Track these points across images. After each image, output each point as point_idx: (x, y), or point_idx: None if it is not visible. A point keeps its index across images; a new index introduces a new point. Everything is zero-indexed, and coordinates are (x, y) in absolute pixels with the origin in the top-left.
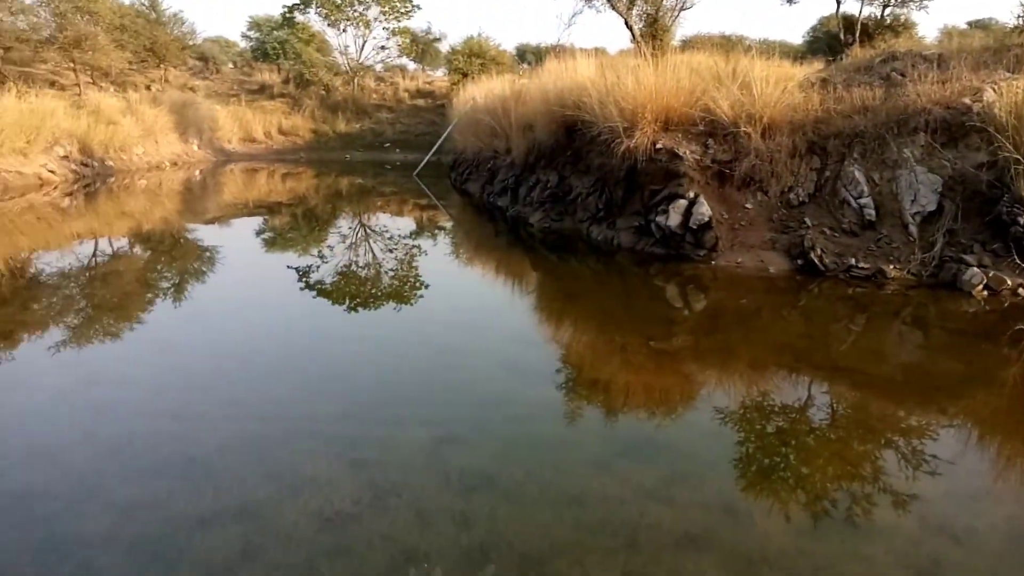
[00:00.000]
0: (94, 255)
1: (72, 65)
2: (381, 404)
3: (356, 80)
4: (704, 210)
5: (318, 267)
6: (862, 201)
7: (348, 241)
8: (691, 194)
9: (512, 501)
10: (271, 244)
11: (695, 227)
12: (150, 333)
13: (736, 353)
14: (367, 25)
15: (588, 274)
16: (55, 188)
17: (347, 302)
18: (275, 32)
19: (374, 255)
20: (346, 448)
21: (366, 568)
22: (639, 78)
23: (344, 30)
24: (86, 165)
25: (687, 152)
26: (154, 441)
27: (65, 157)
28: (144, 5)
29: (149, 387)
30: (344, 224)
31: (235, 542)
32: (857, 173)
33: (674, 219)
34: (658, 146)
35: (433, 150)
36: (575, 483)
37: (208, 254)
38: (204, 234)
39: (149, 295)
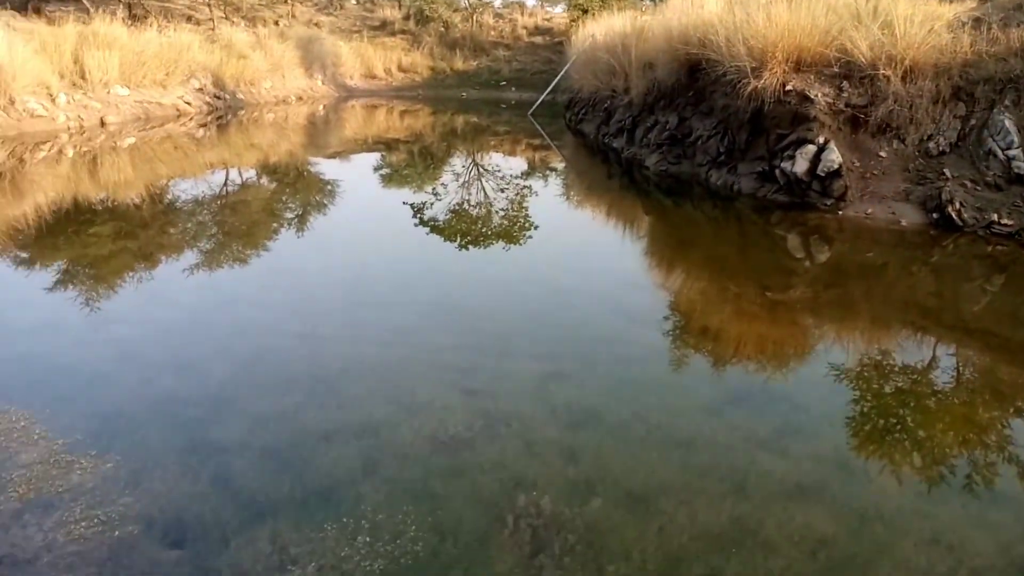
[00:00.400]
0: (225, 184)
1: (207, 1)
2: (492, 337)
3: (475, 17)
4: (834, 157)
5: (432, 204)
6: (1011, 153)
7: (461, 179)
8: (821, 139)
9: (618, 439)
10: (388, 180)
11: (823, 174)
12: (277, 260)
13: (858, 308)
14: None
15: (704, 220)
16: (190, 119)
17: (459, 239)
18: None
19: (486, 194)
20: (459, 377)
21: (477, 491)
22: (771, 15)
23: None
24: (218, 98)
25: (819, 95)
26: (284, 359)
27: (200, 89)
28: None
29: (278, 309)
30: (458, 162)
31: (356, 457)
32: (1007, 122)
33: (801, 165)
34: (788, 88)
35: (549, 89)
36: (683, 427)
37: (330, 187)
38: (326, 168)
39: (275, 224)
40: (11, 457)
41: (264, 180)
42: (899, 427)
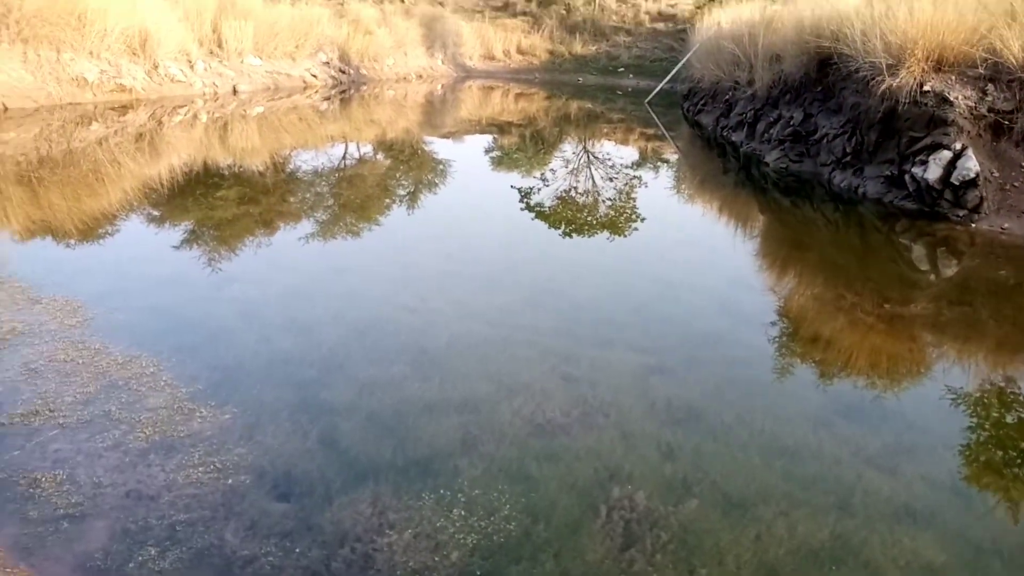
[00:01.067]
0: (343, 157)
1: None
2: (595, 325)
3: (597, 1)
4: (971, 164)
5: (540, 189)
6: None
7: (571, 166)
8: (957, 145)
9: (719, 441)
10: (498, 162)
11: (957, 183)
12: (389, 233)
13: (984, 328)
14: None
15: (823, 223)
16: (316, 91)
17: (565, 226)
18: None
19: (594, 182)
20: (559, 362)
21: (572, 477)
22: (913, 10)
23: None
24: (343, 72)
25: (959, 97)
26: (393, 329)
27: (326, 63)
28: None
29: (389, 280)
30: (568, 149)
31: (456, 431)
32: None
33: (933, 172)
34: (925, 88)
35: (668, 77)
36: (788, 434)
37: (442, 167)
38: (440, 147)
39: (388, 199)
40: (140, 400)
41: (380, 156)
42: (1022, 460)
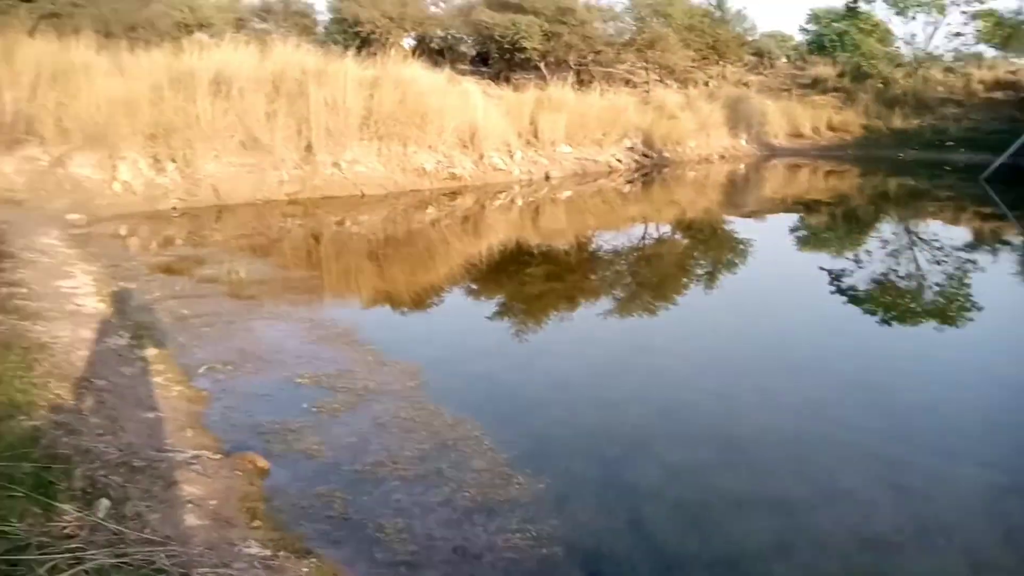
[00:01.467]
0: (643, 237)
1: (644, 64)
2: (930, 430)
3: (920, 72)
4: None
5: (852, 271)
6: None
7: (889, 247)
8: None
9: None
10: (804, 243)
11: None
12: (687, 313)
13: None
14: (941, 10)
15: None
16: (619, 175)
17: (881, 312)
18: (834, 24)
19: (917, 266)
20: (887, 469)
21: None
22: None
23: (913, 17)
24: (646, 156)
25: None
26: (696, 413)
27: (630, 148)
28: (712, 4)
29: (691, 362)
30: (886, 228)
31: (768, 534)
32: None
33: None
34: None
35: (1011, 150)
36: None
37: (742, 247)
38: (740, 227)
39: (686, 279)
40: (466, 461)
41: (679, 235)
42: None
